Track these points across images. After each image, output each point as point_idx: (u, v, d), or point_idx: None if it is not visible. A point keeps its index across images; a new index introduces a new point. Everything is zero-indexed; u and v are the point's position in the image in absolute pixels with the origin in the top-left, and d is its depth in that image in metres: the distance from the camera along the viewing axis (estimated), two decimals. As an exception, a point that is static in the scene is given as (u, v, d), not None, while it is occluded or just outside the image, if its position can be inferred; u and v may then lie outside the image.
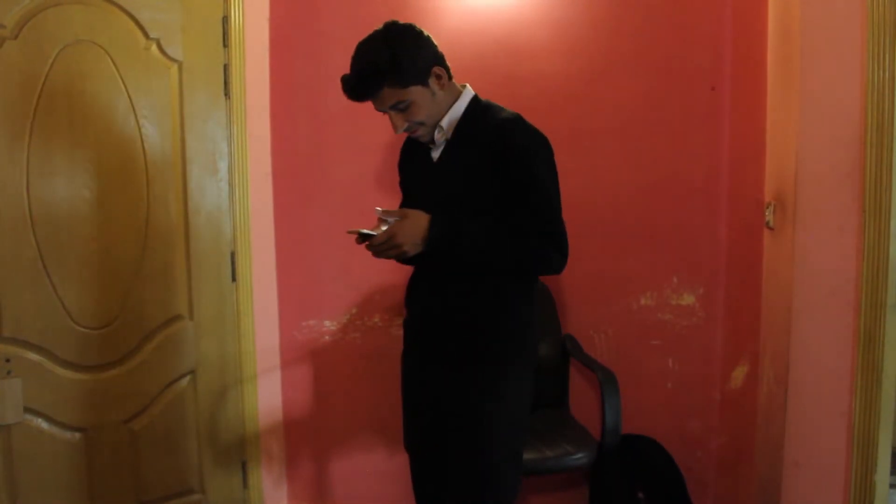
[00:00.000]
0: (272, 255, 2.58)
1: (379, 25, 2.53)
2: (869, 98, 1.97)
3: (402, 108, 1.73)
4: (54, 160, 2.09)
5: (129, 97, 2.19)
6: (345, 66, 2.65)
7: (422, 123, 1.74)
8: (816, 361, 2.13)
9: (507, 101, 2.55)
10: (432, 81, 1.72)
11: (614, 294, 2.64)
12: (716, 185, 2.57)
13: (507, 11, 2.54)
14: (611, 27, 2.55)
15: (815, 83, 2.10)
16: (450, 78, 1.77)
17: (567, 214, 2.59)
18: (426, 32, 1.77)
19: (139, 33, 2.21)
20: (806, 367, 2.15)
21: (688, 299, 2.62)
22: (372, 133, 2.58)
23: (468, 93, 1.81)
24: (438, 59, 1.74)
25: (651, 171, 2.56)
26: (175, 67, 2.28)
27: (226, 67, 2.38)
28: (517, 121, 1.73)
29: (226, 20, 2.37)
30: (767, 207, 2.24)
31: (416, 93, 1.70)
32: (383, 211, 1.70)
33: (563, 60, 2.57)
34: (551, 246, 1.69)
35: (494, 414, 1.71)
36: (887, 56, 1.94)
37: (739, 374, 2.49)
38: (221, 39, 2.37)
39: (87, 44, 2.12)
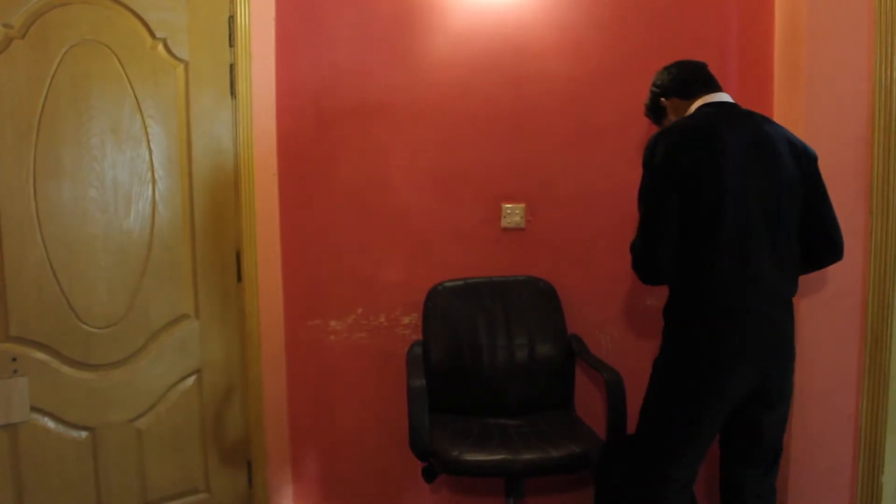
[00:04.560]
0: (278, 254, 2.58)
1: (385, 25, 2.55)
2: (876, 99, 1.97)
3: None
4: (61, 159, 2.09)
5: (136, 97, 2.20)
6: (350, 66, 2.66)
7: None
8: (823, 362, 2.13)
9: (513, 100, 2.58)
10: (668, 112, 2.04)
11: (620, 294, 2.64)
12: (722, 186, 2.57)
13: (514, 12, 2.54)
14: (616, 28, 2.55)
15: (822, 84, 2.10)
16: (688, 96, 1.97)
17: (572, 214, 2.62)
18: (670, 66, 2.06)
19: (145, 33, 2.21)
20: (813, 368, 2.14)
21: (693, 300, 2.61)
22: (378, 133, 2.58)
23: (692, 109, 1.95)
24: (666, 92, 2.04)
25: (657, 171, 2.56)
26: (181, 67, 2.29)
27: (232, 67, 2.38)
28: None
29: (232, 20, 2.37)
30: (774, 208, 2.24)
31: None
32: None
33: (568, 61, 2.56)
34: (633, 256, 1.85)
35: (653, 377, 1.94)
36: (895, 57, 1.94)
37: (745, 374, 2.48)
38: (227, 39, 2.37)
39: (93, 43, 2.13)
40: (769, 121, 1.91)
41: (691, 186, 1.75)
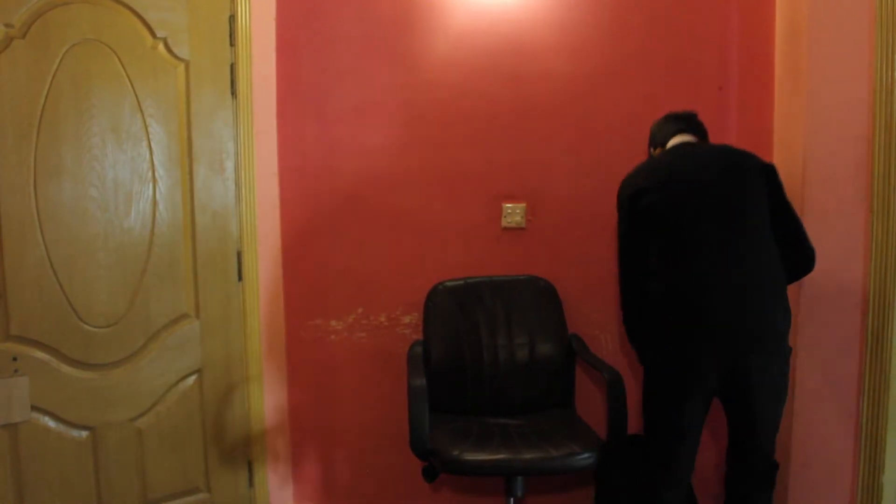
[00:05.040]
0: (278, 254, 2.58)
1: (385, 24, 2.55)
2: (877, 97, 1.97)
3: None
4: (61, 159, 2.09)
5: (136, 96, 2.20)
6: (351, 65, 2.66)
7: None
8: (824, 362, 2.13)
9: (513, 100, 2.58)
10: None
11: (620, 294, 2.64)
12: (722, 185, 2.57)
13: (514, 11, 2.54)
14: (617, 27, 2.56)
15: (823, 83, 2.09)
16: (664, 144, 2.15)
17: (573, 214, 2.62)
18: (660, 118, 2.22)
19: (146, 32, 2.22)
20: (813, 367, 2.14)
21: (694, 299, 2.61)
22: (378, 133, 2.58)
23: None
24: (652, 142, 2.22)
25: (657, 170, 2.56)
26: (182, 66, 2.29)
27: (232, 66, 2.38)
28: None
29: (232, 19, 2.37)
30: (774, 207, 2.24)
31: None
32: None
33: (569, 60, 2.57)
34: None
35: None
36: (895, 56, 1.93)
37: (745, 374, 2.48)
38: (228, 38, 2.37)
39: (94, 43, 2.13)
40: (728, 147, 2.06)
41: (653, 215, 1.96)
